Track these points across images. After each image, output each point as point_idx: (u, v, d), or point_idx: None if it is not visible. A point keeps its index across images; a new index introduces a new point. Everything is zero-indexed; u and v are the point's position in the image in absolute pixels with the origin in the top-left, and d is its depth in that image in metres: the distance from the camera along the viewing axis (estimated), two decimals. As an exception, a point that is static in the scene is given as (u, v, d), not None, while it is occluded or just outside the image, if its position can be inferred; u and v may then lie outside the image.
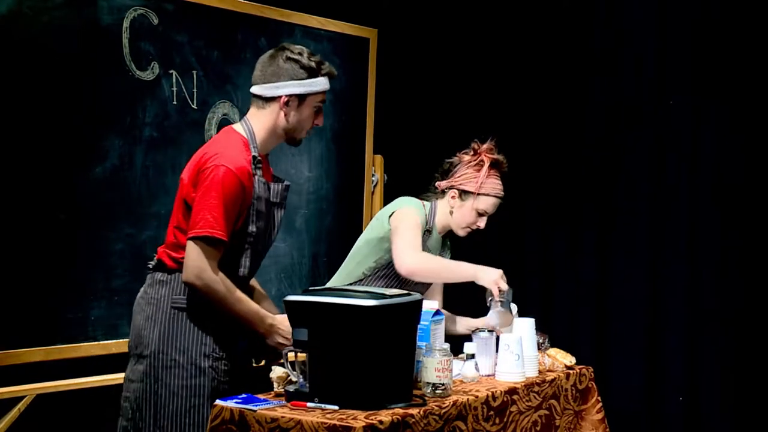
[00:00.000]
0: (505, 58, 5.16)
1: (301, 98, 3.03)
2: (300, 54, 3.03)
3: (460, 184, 3.65)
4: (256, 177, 2.98)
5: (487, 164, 3.64)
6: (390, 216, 3.61)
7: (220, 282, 2.90)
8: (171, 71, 4.05)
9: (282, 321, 3.03)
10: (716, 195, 4.57)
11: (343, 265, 3.76)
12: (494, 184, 3.66)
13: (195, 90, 4.13)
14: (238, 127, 3.07)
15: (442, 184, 3.70)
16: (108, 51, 3.83)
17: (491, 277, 3.47)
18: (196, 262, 2.87)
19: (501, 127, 5.15)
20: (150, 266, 3.08)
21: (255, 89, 3.06)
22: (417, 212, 3.60)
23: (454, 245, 3.96)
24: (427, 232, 3.67)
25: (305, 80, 3.02)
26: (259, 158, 3.01)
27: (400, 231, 3.53)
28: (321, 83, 3.06)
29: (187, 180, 2.98)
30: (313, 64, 3.03)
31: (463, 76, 5.26)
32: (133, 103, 3.92)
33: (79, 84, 3.74)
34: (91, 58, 3.77)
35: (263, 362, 3.16)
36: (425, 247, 3.66)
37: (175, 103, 4.07)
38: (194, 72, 4.13)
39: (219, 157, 2.91)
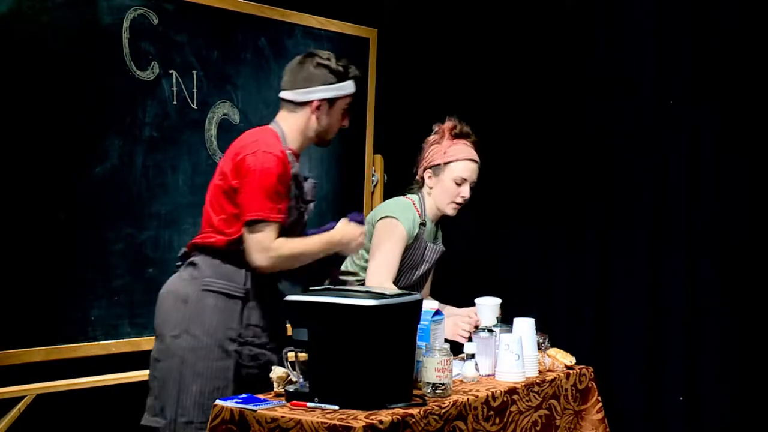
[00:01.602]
0: (506, 58, 5.16)
1: (331, 102, 3.19)
2: (329, 59, 3.19)
3: (429, 162, 3.69)
4: (294, 170, 3.10)
5: (447, 134, 3.68)
6: (378, 220, 3.62)
7: (281, 249, 3.02)
8: (171, 71, 4.05)
9: (339, 228, 3.20)
10: (716, 194, 4.56)
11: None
12: (463, 148, 3.68)
13: (195, 90, 4.13)
14: (270, 126, 3.20)
15: (418, 172, 3.75)
16: (108, 51, 3.83)
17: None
18: (258, 245, 2.99)
19: (501, 127, 5.16)
20: (180, 255, 3.16)
21: (286, 95, 3.20)
22: (403, 221, 3.58)
23: (453, 245, 3.97)
24: (421, 225, 3.67)
25: (335, 84, 3.18)
26: (293, 153, 3.13)
27: (379, 251, 3.55)
28: (349, 86, 3.22)
29: (228, 171, 3.06)
30: (341, 68, 3.20)
31: (463, 75, 5.26)
32: (133, 103, 3.92)
33: (79, 84, 3.74)
34: (91, 58, 3.77)
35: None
36: (421, 241, 3.65)
37: (175, 103, 4.07)
38: (194, 72, 4.13)
39: (258, 144, 3.04)
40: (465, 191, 3.67)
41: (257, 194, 2.97)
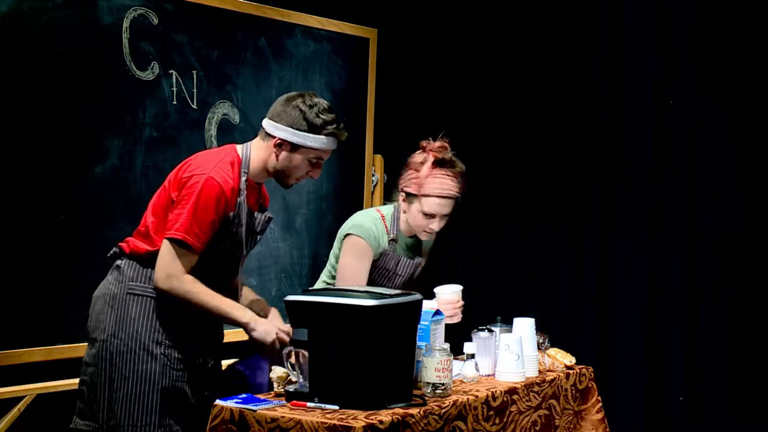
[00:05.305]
0: (506, 58, 5.16)
1: (294, 147, 3.05)
2: (311, 107, 3.04)
3: (405, 186, 3.53)
4: (240, 199, 3.01)
5: (429, 162, 3.48)
6: (344, 238, 3.55)
7: (188, 283, 2.94)
8: (171, 71, 4.05)
9: (261, 319, 3.04)
10: (716, 194, 4.57)
11: (322, 274, 3.75)
12: (438, 183, 3.47)
13: (195, 90, 4.13)
14: (239, 147, 3.12)
15: (399, 184, 3.60)
16: (108, 51, 3.83)
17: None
18: (166, 267, 2.93)
19: (502, 127, 5.17)
20: (111, 254, 3.11)
21: (263, 121, 3.11)
22: (367, 238, 3.51)
23: (453, 245, 3.96)
24: (392, 241, 3.59)
25: (301, 132, 3.04)
26: (246, 182, 3.05)
27: (343, 269, 3.50)
28: (318, 141, 3.06)
29: (173, 181, 3.03)
30: (318, 121, 3.04)
31: (463, 75, 5.26)
32: (133, 103, 3.92)
33: (79, 84, 3.74)
34: (91, 58, 3.77)
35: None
36: (391, 256, 3.59)
37: (175, 103, 4.07)
38: (194, 72, 4.13)
39: (205, 167, 2.97)
40: (434, 225, 3.51)
41: (187, 215, 2.91)
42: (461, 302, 3.48)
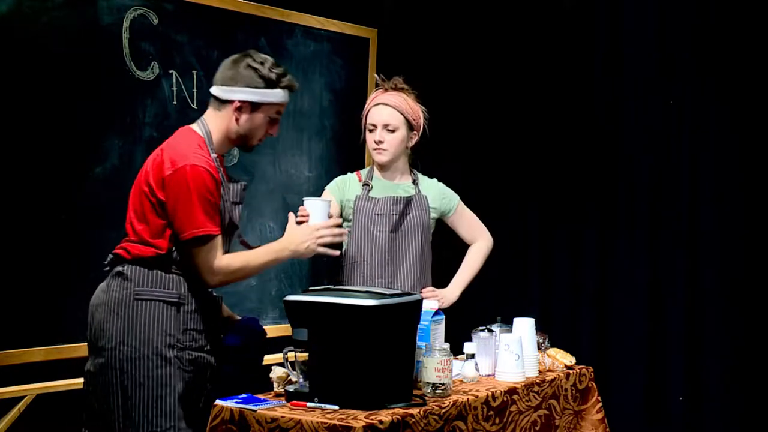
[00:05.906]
0: (506, 58, 5.16)
1: (255, 106, 3.06)
2: (262, 63, 3.06)
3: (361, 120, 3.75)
4: (219, 175, 3.02)
5: (374, 93, 3.72)
6: None
7: (229, 264, 2.99)
8: (171, 71, 4.05)
9: (292, 231, 3.10)
10: (716, 194, 4.57)
11: None
12: (373, 98, 3.69)
13: (195, 90, 4.14)
14: (195, 127, 3.10)
15: None
16: (108, 51, 3.83)
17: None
18: (208, 266, 2.95)
19: (502, 127, 5.17)
20: (106, 262, 3.09)
21: (213, 89, 3.10)
22: (329, 187, 3.73)
23: (452, 244, 3.95)
24: (364, 185, 3.70)
25: (260, 89, 3.04)
26: (216, 158, 3.05)
27: None
28: (277, 95, 3.08)
29: (153, 183, 2.98)
30: (272, 75, 3.06)
31: (463, 75, 5.26)
32: (133, 103, 3.92)
33: (79, 84, 3.74)
34: (91, 58, 3.78)
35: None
36: (367, 198, 3.67)
37: (175, 103, 4.07)
38: (194, 72, 4.14)
39: (184, 158, 2.95)
40: (377, 136, 3.65)
41: (193, 211, 2.90)
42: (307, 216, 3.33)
